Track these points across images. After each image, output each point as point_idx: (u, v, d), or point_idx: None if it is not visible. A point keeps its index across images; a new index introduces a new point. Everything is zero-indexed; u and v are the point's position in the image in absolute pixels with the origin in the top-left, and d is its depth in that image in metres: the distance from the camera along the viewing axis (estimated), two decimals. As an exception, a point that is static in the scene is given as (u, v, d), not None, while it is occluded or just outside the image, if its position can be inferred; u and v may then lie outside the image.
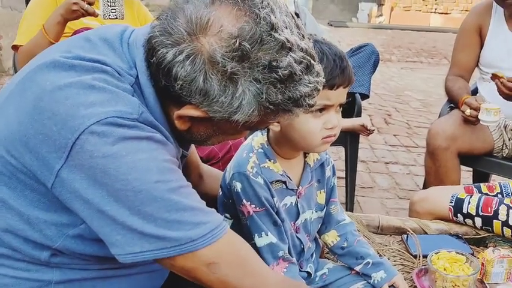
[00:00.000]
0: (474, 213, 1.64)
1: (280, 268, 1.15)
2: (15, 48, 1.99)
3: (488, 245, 1.60)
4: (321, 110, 1.10)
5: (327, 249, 1.38)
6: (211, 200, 1.29)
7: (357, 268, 1.28)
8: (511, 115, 2.20)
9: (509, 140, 2.21)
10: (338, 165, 3.38)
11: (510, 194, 1.73)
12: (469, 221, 1.65)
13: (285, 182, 1.19)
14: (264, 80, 0.85)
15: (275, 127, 1.13)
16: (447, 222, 1.68)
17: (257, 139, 1.20)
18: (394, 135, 4.22)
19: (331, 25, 10.49)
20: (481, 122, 2.05)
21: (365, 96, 2.62)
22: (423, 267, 1.42)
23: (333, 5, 11.91)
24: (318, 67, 0.92)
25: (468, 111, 2.10)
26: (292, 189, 1.21)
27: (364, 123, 2.55)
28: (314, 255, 1.32)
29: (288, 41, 0.86)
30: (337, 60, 1.08)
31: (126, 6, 1.99)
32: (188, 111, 0.91)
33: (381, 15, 11.48)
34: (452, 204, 1.68)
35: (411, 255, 1.52)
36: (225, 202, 1.22)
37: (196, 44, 0.85)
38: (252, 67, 0.85)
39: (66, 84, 0.87)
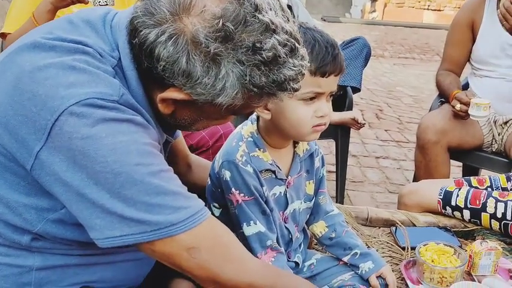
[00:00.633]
0: (462, 206, 1.64)
1: (268, 257, 1.14)
2: (3, 36, 1.96)
3: (476, 237, 1.60)
4: (312, 98, 1.09)
5: (315, 240, 1.38)
6: (200, 190, 1.28)
7: (345, 259, 1.28)
8: (501, 110, 2.21)
9: (498, 134, 2.22)
10: (329, 159, 3.40)
11: (500, 188, 1.74)
12: (457, 214, 1.66)
13: (274, 172, 1.18)
14: (248, 62, 0.85)
15: (266, 115, 1.12)
16: (436, 215, 1.69)
17: (247, 128, 1.19)
18: (386, 130, 4.23)
19: (325, 20, 10.47)
20: (471, 116, 2.06)
21: (356, 90, 2.62)
22: (411, 259, 1.43)
23: (326, 0, 11.89)
24: (303, 51, 0.92)
25: (458, 106, 2.11)
26: (281, 179, 1.20)
27: (355, 116, 2.55)
28: (302, 245, 1.32)
29: (273, 23, 0.85)
30: (329, 48, 1.07)
31: None
32: (171, 93, 0.90)
33: (374, 11, 11.47)
34: (441, 197, 1.68)
35: (399, 247, 1.52)
36: (214, 191, 1.21)
37: (179, 24, 0.84)
38: (236, 48, 0.84)
39: (45, 65, 0.86)
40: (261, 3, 0.85)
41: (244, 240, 1.15)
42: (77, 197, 0.86)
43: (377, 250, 1.48)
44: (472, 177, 1.79)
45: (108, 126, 0.85)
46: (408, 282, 1.33)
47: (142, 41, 0.86)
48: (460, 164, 2.76)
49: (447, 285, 1.29)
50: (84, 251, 0.99)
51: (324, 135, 2.68)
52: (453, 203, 1.66)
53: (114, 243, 0.87)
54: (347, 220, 1.58)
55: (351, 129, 2.67)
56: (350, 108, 2.65)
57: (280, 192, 1.21)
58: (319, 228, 1.32)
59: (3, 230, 0.94)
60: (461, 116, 2.13)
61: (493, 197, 1.62)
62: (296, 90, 0.93)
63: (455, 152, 2.23)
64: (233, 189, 1.13)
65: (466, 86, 2.45)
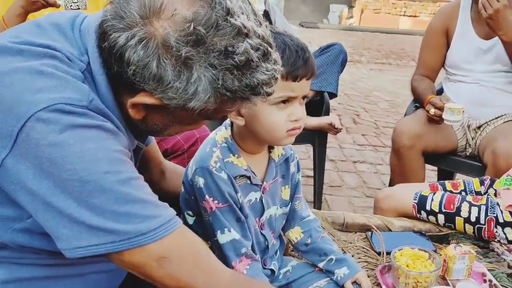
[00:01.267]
0: (437, 210, 1.66)
1: (243, 265, 1.13)
2: None
3: (451, 242, 1.62)
4: (285, 101, 1.08)
5: (291, 247, 1.37)
6: (174, 198, 1.26)
7: (321, 265, 1.27)
8: (474, 115, 2.24)
9: (472, 139, 2.25)
10: (307, 164, 3.41)
11: (473, 192, 1.76)
12: (432, 218, 1.67)
13: (249, 177, 1.17)
14: (220, 66, 0.84)
15: (239, 121, 1.11)
16: (411, 220, 1.70)
17: (221, 133, 1.18)
18: (363, 135, 4.26)
19: (303, 26, 10.56)
20: (444, 121, 2.08)
21: (333, 95, 2.63)
22: (387, 264, 1.43)
23: (304, 6, 11.97)
24: (276, 55, 0.91)
25: (432, 111, 2.13)
26: (256, 185, 1.19)
27: (332, 121, 2.56)
28: (278, 252, 1.30)
29: (245, 27, 0.84)
30: (299, 52, 1.07)
31: None
32: (142, 98, 0.88)
33: (352, 17, 11.61)
34: (416, 201, 1.69)
35: (375, 252, 1.52)
36: (187, 199, 1.19)
37: (150, 28, 0.83)
38: (208, 52, 0.83)
39: (12, 70, 0.83)
40: (233, 7, 0.85)
41: (218, 248, 1.13)
42: (43, 206, 0.83)
43: (353, 255, 1.48)
44: (446, 182, 1.81)
45: (77, 132, 0.83)
46: (384, 287, 1.33)
47: (112, 45, 0.84)
48: (435, 168, 2.80)
49: (422, 290, 1.29)
50: (54, 260, 0.96)
51: (301, 140, 2.73)
52: (428, 208, 1.67)
53: (82, 253, 0.85)
54: (323, 226, 1.58)
55: (328, 134, 2.67)
56: (327, 113, 2.66)
57: (255, 198, 1.20)
58: (295, 234, 1.31)
59: None
60: (435, 121, 2.16)
61: (467, 201, 1.64)
62: (269, 94, 0.93)
63: (430, 156, 2.25)
64: (207, 196, 1.11)
65: (440, 91, 2.48)
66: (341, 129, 2.62)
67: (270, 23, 2.70)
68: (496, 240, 1.59)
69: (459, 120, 2.07)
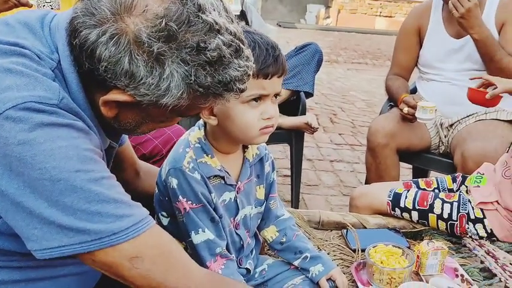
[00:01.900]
0: (411, 207, 1.68)
1: (218, 265, 1.13)
2: None
3: (424, 238, 1.64)
4: (257, 99, 1.09)
5: (267, 245, 1.37)
6: (149, 198, 1.25)
7: (296, 263, 1.28)
8: (447, 113, 2.28)
9: (445, 137, 2.29)
10: (285, 163, 3.42)
11: (446, 189, 1.80)
12: (406, 215, 1.70)
13: (223, 177, 1.17)
14: (193, 62, 0.84)
15: (212, 121, 1.11)
16: (385, 217, 1.72)
17: (194, 134, 1.18)
18: (339, 134, 4.30)
19: (280, 26, 10.59)
20: (417, 119, 2.11)
21: (309, 95, 2.64)
22: (361, 260, 1.44)
23: (281, 6, 12.01)
24: (248, 52, 0.92)
25: (406, 109, 2.16)
26: (230, 185, 1.19)
27: (308, 121, 2.57)
28: (254, 251, 1.31)
29: (216, 23, 0.85)
30: (269, 50, 1.07)
31: None
32: (114, 96, 0.87)
33: (328, 17, 11.69)
34: (390, 199, 1.72)
35: (350, 249, 1.54)
36: (161, 200, 1.18)
37: (121, 24, 0.82)
38: (180, 48, 0.83)
39: None
40: (204, 3, 0.85)
41: (193, 248, 1.13)
42: (13, 206, 0.82)
43: (329, 253, 1.49)
44: (420, 179, 1.84)
45: (47, 131, 0.82)
46: (358, 284, 1.35)
47: (83, 42, 0.84)
48: (411, 166, 2.84)
49: (396, 286, 1.31)
50: (25, 262, 0.95)
51: (278, 140, 2.74)
52: (402, 205, 1.69)
53: (53, 254, 0.84)
54: (299, 224, 1.59)
55: (306, 133, 2.69)
56: (303, 112, 2.67)
57: (230, 198, 1.20)
58: (270, 233, 1.32)
59: None
60: (409, 119, 2.19)
61: (439, 198, 1.67)
62: (242, 90, 0.93)
63: (404, 154, 2.28)
64: (180, 197, 1.10)
65: (414, 90, 2.51)
66: (317, 128, 2.64)
67: (247, 23, 2.71)
68: (467, 236, 1.63)
69: (432, 119, 2.11)
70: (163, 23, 0.81)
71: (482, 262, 1.51)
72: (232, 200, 1.20)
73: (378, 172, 2.26)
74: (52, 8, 1.87)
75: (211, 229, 1.13)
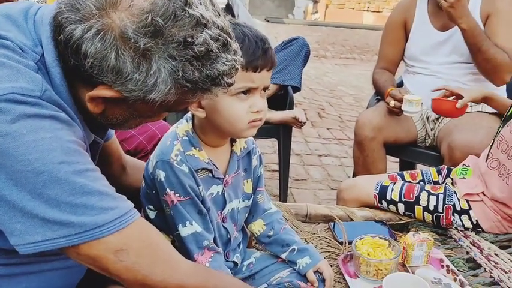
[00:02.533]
0: (397, 200, 1.70)
1: (205, 258, 1.13)
2: None
3: (411, 229, 1.66)
4: (246, 92, 1.09)
5: (255, 239, 1.38)
6: (135, 192, 1.25)
7: (283, 255, 1.29)
8: (433, 107, 2.30)
9: (431, 130, 2.31)
10: (273, 158, 3.42)
11: (431, 181, 1.81)
12: (392, 208, 1.71)
13: (211, 171, 1.17)
14: (180, 57, 0.83)
15: (200, 113, 1.11)
16: (372, 209, 1.73)
17: (182, 127, 1.17)
18: (327, 129, 4.31)
19: (268, 21, 10.57)
20: (404, 112, 2.13)
21: (296, 89, 2.65)
22: (348, 253, 1.45)
23: (269, 1, 11.99)
24: (235, 45, 0.91)
25: (392, 103, 2.18)
26: (218, 178, 1.19)
27: (296, 115, 2.58)
28: (241, 245, 1.31)
29: (203, 17, 0.84)
30: (259, 42, 1.07)
31: None
32: (101, 92, 0.87)
33: (316, 12, 11.70)
34: (377, 191, 1.73)
35: (337, 241, 1.55)
36: (148, 193, 1.18)
37: (106, 20, 0.82)
38: (167, 43, 0.82)
39: None
40: None
41: (180, 241, 1.13)
42: None
43: (316, 246, 1.50)
44: (405, 172, 1.85)
45: (30, 122, 0.81)
46: (345, 276, 1.36)
47: (68, 38, 0.83)
48: (398, 159, 2.86)
49: (382, 277, 1.31)
50: (9, 259, 0.94)
51: (266, 135, 2.75)
52: (388, 197, 1.71)
53: (36, 248, 0.83)
54: (287, 217, 1.60)
55: (294, 128, 2.70)
56: (291, 107, 2.68)
57: (217, 191, 1.20)
58: (257, 226, 1.32)
59: None
60: (395, 113, 2.20)
61: (425, 190, 1.68)
62: (230, 85, 0.93)
63: (391, 148, 2.30)
64: (168, 190, 1.10)
65: (401, 84, 2.53)
66: (305, 122, 2.64)
67: (233, 16, 2.70)
68: (453, 227, 1.64)
69: (418, 111, 2.12)
70: (150, 18, 0.81)
71: (467, 253, 1.53)
72: (220, 193, 1.20)
73: (365, 165, 2.27)
74: (38, 1, 1.85)
75: (199, 222, 1.13)
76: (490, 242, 1.55)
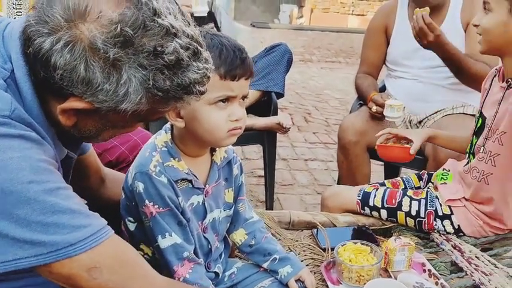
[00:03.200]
0: (380, 206, 1.70)
1: (185, 269, 1.12)
2: None
3: (393, 234, 1.67)
4: (224, 101, 1.09)
5: (237, 249, 1.38)
6: (115, 205, 1.24)
7: (265, 265, 1.28)
8: (415, 110, 2.32)
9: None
10: (260, 164, 3.42)
11: (413, 187, 1.83)
12: (375, 213, 1.72)
13: (190, 181, 1.16)
14: (150, 66, 0.83)
15: (179, 123, 1.11)
16: (355, 215, 1.74)
17: (160, 138, 1.17)
18: (314, 133, 4.32)
19: (254, 26, 10.58)
20: (386, 117, 2.14)
21: (280, 95, 2.65)
22: (331, 259, 1.45)
23: (254, 7, 12.02)
24: (206, 54, 0.92)
25: (374, 108, 2.19)
26: (198, 188, 1.19)
27: (280, 121, 2.58)
28: (223, 255, 1.31)
29: (173, 27, 0.84)
30: (236, 52, 1.08)
31: None
32: (72, 103, 0.86)
33: (302, 16, 11.75)
34: (360, 198, 1.74)
35: (321, 248, 1.55)
36: (128, 205, 1.18)
37: (75, 31, 0.81)
38: (137, 53, 0.83)
39: None
40: (160, 7, 0.85)
41: (160, 253, 1.12)
42: None
43: (299, 253, 1.50)
44: (386, 181, 1.86)
45: None
46: (328, 283, 1.36)
47: (37, 50, 0.83)
48: (382, 163, 2.87)
49: (365, 283, 1.32)
50: None
51: (251, 141, 2.75)
52: (371, 203, 1.72)
53: (7, 268, 0.82)
54: (270, 225, 1.60)
55: (279, 133, 2.70)
56: (275, 113, 2.68)
57: (198, 201, 1.19)
58: (239, 236, 1.32)
59: None
60: (378, 118, 2.22)
61: (407, 195, 1.70)
62: (202, 93, 0.93)
63: (375, 152, 2.30)
64: (147, 201, 1.10)
65: (384, 88, 2.54)
66: (289, 128, 2.65)
67: (216, 24, 2.70)
68: (435, 231, 1.65)
69: (399, 117, 2.14)
70: (119, 28, 0.81)
71: (448, 256, 1.54)
72: (200, 204, 1.20)
73: (349, 170, 2.29)
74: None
75: (179, 233, 1.13)
76: (472, 245, 1.57)
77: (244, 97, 1.14)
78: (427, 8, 2.00)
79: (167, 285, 1.01)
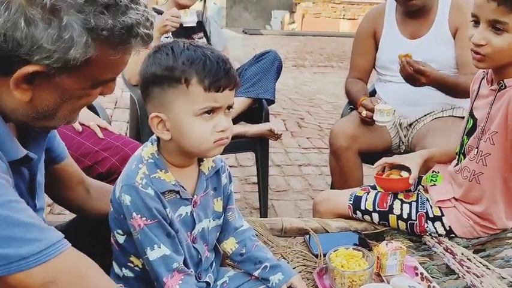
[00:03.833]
0: (371, 210, 1.71)
1: (175, 280, 1.12)
2: None
3: (386, 238, 1.67)
4: (209, 112, 1.09)
5: (228, 258, 1.37)
6: (102, 216, 1.24)
7: (256, 273, 1.28)
8: (405, 113, 2.33)
9: (404, 136, 2.34)
10: (254, 171, 3.42)
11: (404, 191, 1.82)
12: (367, 217, 1.72)
13: (178, 192, 1.16)
14: (88, 8, 0.84)
15: (165, 135, 1.11)
16: (347, 220, 1.74)
17: (147, 150, 1.17)
18: (307, 138, 4.33)
19: (246, 33, 10.61)
20: (376, 122, 2.14)
21: (271, 102, 2.66)
22: (324, 266, 1.45)
23: (246, 13, 12.06)
24: (144, 1, 0.93)
25: (364, 113, 2.20)
26: (186, 199, 1.18)
27: (271, 127, 2.59)
28: (214, 264, 1.30)
29: None
30: (220, 63, 1.08)
31: None
32: (22, 70, 0.85)
33: (293, 22, 11.80)
34: (351, 202, 1.74)
35: (313, 255, 1.55)
36: (117, 217, 1.17)
37: None
38: None
39: None
40: None
41: (149, 265, 1.12)
42: None
43: (292, 260, 1.50)
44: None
45: None
46: (321, 289, 1.36)
47: None
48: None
49: (357, 289, 1.32)
50: None
51: (243, 149, 2.76)
52: (362, 207, 1.72)
53: None
54: (262, 233, 1.60)
55: (272, 140, 2.70)
56: (267, 120, 2.69)
57: (186, 212, 1.19)
58: (230, 245, 1.32)
59: None
60: (368, 122, 2.22)
61: (398, 199, 1.70)
62: (149, 36, 0.93)
63: (367, 156, 2.32)
64: (134, 214, 1.09)
65: (374, 92, 2.56)
66: (281, 134, 2.66)
67: (205, 34, 2.71)
68: (427, 234, 1.66)
69: (389, 121, 2.14)
70: None
71: (441, 259, 1.54)
72: (189, 214, 1.20)
73: (341, 175, 2.29)
74: None
75: (168, 244, 1.12)
76: (463, 247, 1.57)
77: (229, 107, 1.14)
78: (410, 54, 2.06)
79: None
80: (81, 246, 1.32)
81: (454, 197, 1.65)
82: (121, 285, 1.19)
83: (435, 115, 2.29)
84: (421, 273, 1.42)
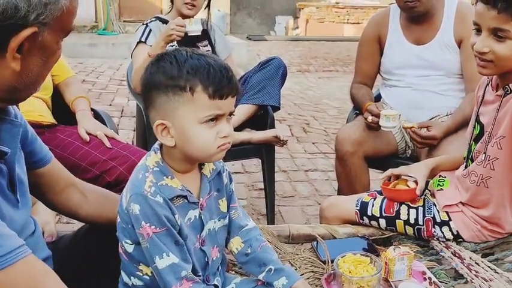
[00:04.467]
0: (378, 215, 1.71)
1: (184, 288, 1.13)
2: None
3: (393, 243, 1.67)
4: (213, 119, 1.12)
5: (231, 264, 1.38)
6: (101, 219, 1.25)
7: (260, 276, 1.28)
8: (410, 117, 2.32)
9: (410, 141, 2.33)
10: (260, 177, 3.42)
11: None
12: (374, 223, 1.72)
13: (185, 197, 1.18)
14: None
15: (170, 142, 1.14)
16: (354, 226, 1.74)
17: (151, 158, 1.19)
18: (313, 143, 4.33)
19: (250, 39, 10.64)
20: (381, 127, 2.15)
21: (276, 108, 2.67)
22: (332, 271, 1.46)
23: (250, 20, 12.10)
24: None
25: (370, 118, 2.20)
26: (193, 203, 1.20)
27: (277, 134, 2.60)
28: (220, 268, 1.31)
29: None
30: (223, 71, 1.11)
31: None
32: (18, 37, 0.87)
33: (297, 27, 11.82)
34: (358, 208, 1.74)
35: (321, 261, 1.55)
36: (124, 228, 1.18)
37: None
38: None
39: None
40: None
41: (158, 274, 1.13)
42: None
43: (300, 266, 1.51)
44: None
45: None
46: (329, 295, 1.36)
47: None
48: (381, 171, 2.87)
49: (365, 295, 1.32)
50: None
51: (249, 155, 2.76)
52: (369, 213, 1.72)
53: None
54: (269, 240, 1.60)
55: (277, 146, 2.71)
56: (272, 126, 2.70)
57: (195, 215, 1.21)
58: (236, 244, 1.32)
59: None
60: (373, 128, 2.22)
61: (405, 204, 1.70)
62: None
63: (373, 161, 2.32)
64: (143, 223, 1.11)
65: (378, 97, 2.56)
66: (286, 140, 2.66)
67: (210, 42, 2.72)
68: (434, 238, 1.66)
69: (395, 126, 2.15)
70: None
71: (449, 264, 1.54)
72: (197, 217, 1.21)
73: (348, 180, 2.29)
74: None
75: (176, 253, 1.13)
76: (471, 251, 1.57)
77: (231, 113, 1.17)
78: (414, 124, 2.14)
79: None
80: (90, 255, 1.34)
81: (461, 202, 1.65)
82: None
83: (440, 119, 2.29)
84: (429, 278, 1.42)
